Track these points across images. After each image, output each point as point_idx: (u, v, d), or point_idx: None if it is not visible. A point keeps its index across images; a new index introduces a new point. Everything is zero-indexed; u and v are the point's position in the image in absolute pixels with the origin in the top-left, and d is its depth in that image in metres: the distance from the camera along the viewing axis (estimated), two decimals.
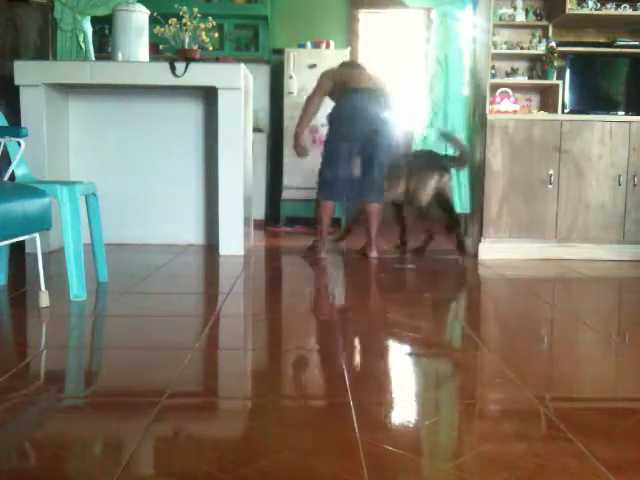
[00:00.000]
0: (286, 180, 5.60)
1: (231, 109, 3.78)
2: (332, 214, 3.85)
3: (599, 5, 4.00)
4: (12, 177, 2.75)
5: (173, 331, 2.21)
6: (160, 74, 3.75)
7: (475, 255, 3.99)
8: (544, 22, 4.14)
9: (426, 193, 3.91)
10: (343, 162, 3.73)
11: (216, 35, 4.20)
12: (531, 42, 4.15)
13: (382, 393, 1.66)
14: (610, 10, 3.99)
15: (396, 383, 1.78)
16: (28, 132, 2.62)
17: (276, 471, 1.20)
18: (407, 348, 2.12)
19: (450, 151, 4.14)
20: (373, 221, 3.82)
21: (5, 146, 2.65)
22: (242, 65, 3.83)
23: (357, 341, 2.19)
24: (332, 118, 3.79)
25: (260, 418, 1.48)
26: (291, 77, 5.51)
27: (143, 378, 1.74)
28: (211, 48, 4.16)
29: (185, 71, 3.73)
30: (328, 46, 5.61)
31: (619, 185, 3.91)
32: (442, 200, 3.93)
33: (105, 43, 5.45)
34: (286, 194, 5.60)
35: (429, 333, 2.37)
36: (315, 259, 3.74)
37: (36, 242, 2.43)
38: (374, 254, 3.83)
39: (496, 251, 3.94)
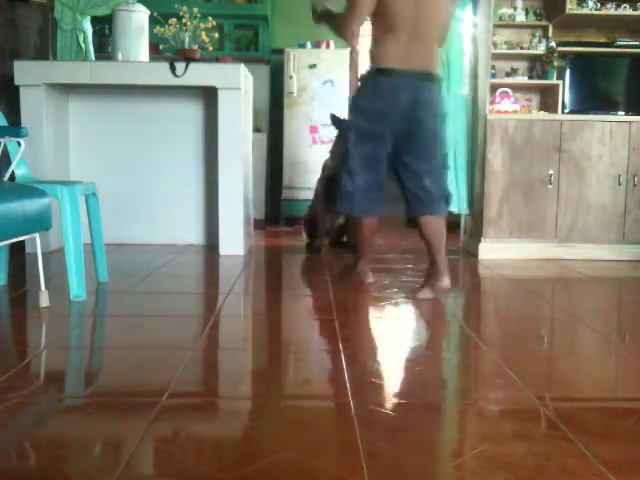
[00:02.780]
0: (286, 180, 5.61)
1: (231, 109, 3.78)
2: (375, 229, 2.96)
3: (599, 5, 4.00)
4: (12, 177, 2.75)
5: (173, 331, 2.21)
6: (160, 74, 3.75)
7: (475, 255, 3.99)
8: (544, 22, 4.14)
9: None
10: (376, 167, 2.80)
11: (216, 35, 4.20)
12: (531, 42, 4.15)
13: (382, 393, 1.66)
14: (610, 10, 3.99)
15: (396, 384, 1.77)
16: (28, 132, 2.62)
17: (276, 471, 1.20)
18: (407, 349, 2.12)
19: None
20: (436, 239, 2.77)
21: (5, 146, 2.65)
22: (242, 65, 3.83)
23: (357, 341, 2.19)
24: (364, 109, 2.77)
25: (260, 418, 1.48)
26: (291, 77, 5.51)
27: (143, 378, 1.74)
28: (211, 48, 4.16)
29: (185, 71, 3.73)
30: (328, 46, 5.61)
31: (619, 185, 3.91)
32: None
33: (105, 43, 5.45)
34: (286, 194, 5.60)
35: (429, 333, 2.37)
36: (358, 283, 3.03)
37: (36, 242, 2.43)
38: (446, 282, 2.73)
39: (496, 251, 3.94)
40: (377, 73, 2.71)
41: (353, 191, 2.81)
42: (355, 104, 2.83)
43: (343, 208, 2.91)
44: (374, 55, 2.75)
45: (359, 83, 2.86)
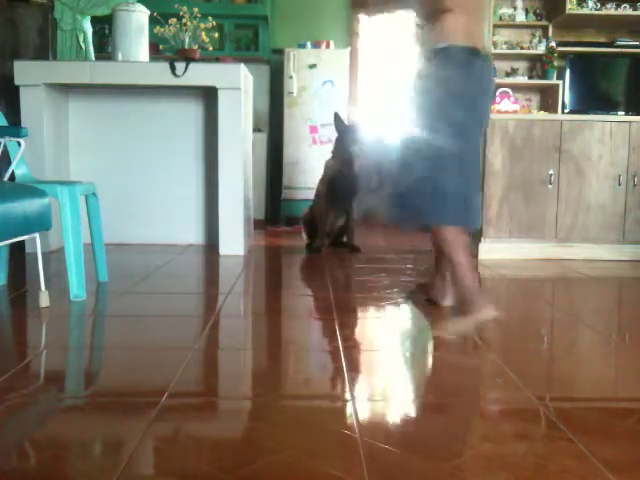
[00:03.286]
0: (286, 180, 5.61)
1: (231, 109, 3.78)
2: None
3: (599, 5, 4.01)
4: (12, 177, 2.75)
5: (173, 331, 2.21)
6: (160, 74, 3.75)
7: (475, 255, 3.98)
8: (544, 22, 4.15)
9: None
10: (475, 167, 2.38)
11: (216, 35, 4.20)
12: (531, 42, 4.16)
13: (382, 394, 1.66)
14: (610, 10, 4.00)
15: (396, 384, 1.78)
16: (28, 132, 2.62)
17: (276, 471, 1.20)
18: (407, 349, 2.12)
19: None
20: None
21: (5, 146, 2.65)
22: (242, 65, 3.83)
23: (357, 341, 2.19)
24: (461, 95, 2.25)
25: (260, 418, 1.48)
26: (291, 77, 5.51)
27: (143, 378, 1.74)
28: (211, 48, 4.16)
29: (185, 71, 3.73)
30: (328, 46, 5.61)
31: (619, 185, 3.91)
32: None
33: (105, 43, 5.45)
34: (286, 194, 5.60)
35: (428, 333, 2.37)
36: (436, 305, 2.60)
37: (36, 242, 2.43)
38: (448, 302, 2.55)
39: (496, 251, 3.94)
40: (464, 52, 2.24)
41: (472, 199, 2.36)
42: (448, 89, 2.25)
43: (457, 222, 2.31)
44: (447, 32, 2.24)
45: (434, 61, 2.30)
